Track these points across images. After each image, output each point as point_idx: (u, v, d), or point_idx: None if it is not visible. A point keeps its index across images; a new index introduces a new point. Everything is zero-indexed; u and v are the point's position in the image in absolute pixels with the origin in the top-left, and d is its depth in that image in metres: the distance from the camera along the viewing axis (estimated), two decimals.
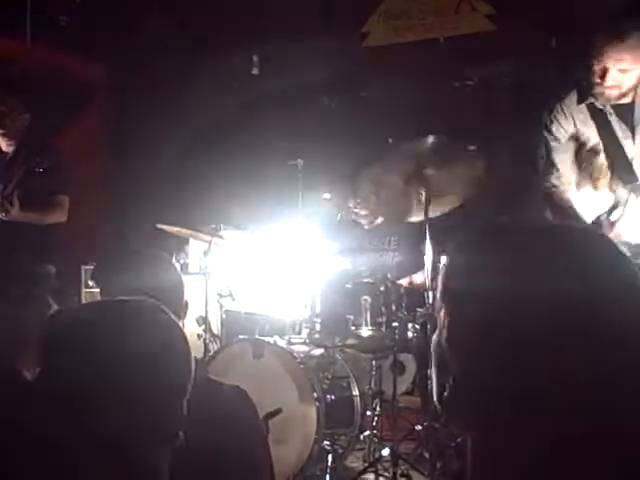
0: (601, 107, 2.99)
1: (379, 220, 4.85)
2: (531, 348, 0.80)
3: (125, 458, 1.11)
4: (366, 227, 4.85)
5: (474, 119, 5.36)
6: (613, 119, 2.98)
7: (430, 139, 3.55)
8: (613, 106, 2.98)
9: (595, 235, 0.89)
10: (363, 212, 4.75)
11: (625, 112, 2.97)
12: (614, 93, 2.87)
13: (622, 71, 2.79)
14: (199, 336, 4.47)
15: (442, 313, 0.90)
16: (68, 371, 1.12)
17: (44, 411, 1.13)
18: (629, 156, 2.97)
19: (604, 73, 2.80)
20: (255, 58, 6.23)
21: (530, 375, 0.80)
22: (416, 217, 3.82)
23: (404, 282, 4.23)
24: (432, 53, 5.62)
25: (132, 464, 1.12)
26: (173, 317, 1.24)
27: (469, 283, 0.86)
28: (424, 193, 3.70)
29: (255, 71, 6.25)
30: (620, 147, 2.96)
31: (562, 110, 3.07)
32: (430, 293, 3.77)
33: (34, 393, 1.18)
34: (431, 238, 3.71)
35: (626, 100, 2.96)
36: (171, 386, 1.17)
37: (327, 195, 4.59)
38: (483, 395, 0.85)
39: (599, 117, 2.99)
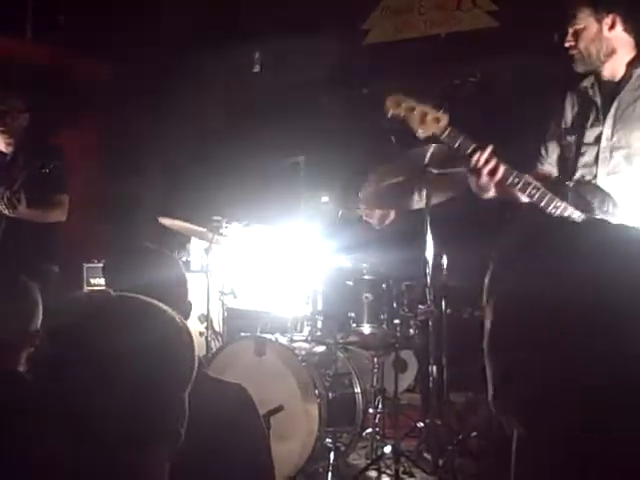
0: (588, 91, 3.00)
1: (389, 220, 4.86)
2: (576, 352, 0.79)
3: (123, 456, 1.11)
4: (377, 227, 4.86)
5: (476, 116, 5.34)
6: (592, 103, 2.99)
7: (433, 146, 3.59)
8: (601, 88, 2.98)
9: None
10: (374, 216, 4.78)
11: (609, 93, 2.96)
12: (577, 55, 2.93)
13: (574, 29, 2.90)
14: (201, 334, 4.47)
15: (486, 316, 0.89)
16: (67, 368, 1.12)
17: (43, 409, 1.13)
18: (584, 148, 2.95)
19: (565, 35, 2.94)
20: (257, 56, 6.22)
21: (574, 379, 0.79)
22: (417, 206, 3.84)
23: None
24: (434, 49, 5.61)
25: (130, 462, 1.12)
26: (175, 314, 1.23)
27: (513, 286, 0.85)
28: (425, 191, 3.70)
29: (256, 69, 6.25)
30: (578, 137, 2.98)
31: (567, 96, 3.10)
32: (431, 290, 3.77)
33: (33, 391, 1.17)
34: (433, 235, 3.72)
35: (614, 76, 2.96)
36: (172, 382, 1.16)
37: (325, 198, 4.59)
38: (526, 400, 0.84)
39: (582, 100, 3.03)
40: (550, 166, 3.11)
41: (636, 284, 0.79)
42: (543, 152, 3.14)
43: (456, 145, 2.90)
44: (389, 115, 2.97)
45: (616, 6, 2.88)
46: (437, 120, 2.89)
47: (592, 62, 2.93)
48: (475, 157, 2.84)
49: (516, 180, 2.86)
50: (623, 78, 2.93)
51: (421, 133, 2.94)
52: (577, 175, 2.95)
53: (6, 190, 4.12)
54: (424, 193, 3.72)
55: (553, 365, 0.81)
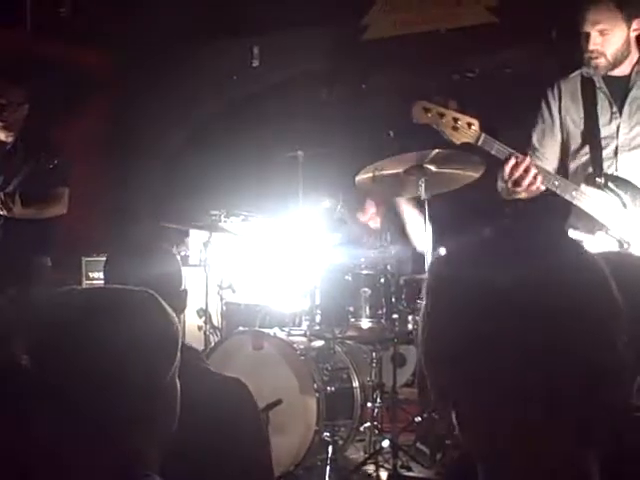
0: (595, 83, 2.96)
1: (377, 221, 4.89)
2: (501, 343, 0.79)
3: (115, 441, 1.13)
4: (372, 226, 4.89)
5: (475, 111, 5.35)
6: (602, 97, 2.96)
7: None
8: (608, 83, 2.95)
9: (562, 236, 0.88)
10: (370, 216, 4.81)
11: (619, 88, 2.94)
12: (602, 62, 2.88)
13: (602, 33, 2.83)
14: (199, 328, 4.48)
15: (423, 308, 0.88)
16: (55, 358, 1.14)
17: (35, 397, 1.15)
18: (603, 143, 2.92)
19: (587, 38, 2.85)
20: (255, 50, 6.22)
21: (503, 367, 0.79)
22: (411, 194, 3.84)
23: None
24: (433, 45, 5.61)
25: (122, 446, 1.14)
26: (165, 305, 1.25)
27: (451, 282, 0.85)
28: (423, 185, 3.71)
29: (255, 63, 6.24)
30: (597, 130, 2.93)
31: (553, 86, 3.07)
32: None
33: (25, 380, 1.19)
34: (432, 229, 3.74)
35: (622, 72, 2.95)
36: (157, 368, 1.18)
37: (327, 203, 4.60)
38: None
39: (588, 92, 2.97)
40: (547, 161, 3.06)
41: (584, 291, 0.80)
42: (536, 144, 3.08)
43: (493, 151, 2.83)
44: (417, 122, 2.86)
45: (637, 9, 2.86)
46: (469, 125, 2.82)
47: (614, 65, 2.90)
48: (510, 164, 2.77)
49: (557, 183, 2.83)
50: (632, 73, 2.93)
51: (455, 140, 2.84)
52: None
53: (0, 192, 4.14)
54: (422, 186, 3.73)
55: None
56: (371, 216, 4.89)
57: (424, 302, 0.88)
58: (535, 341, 0.78)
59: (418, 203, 3.84)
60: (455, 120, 2.80)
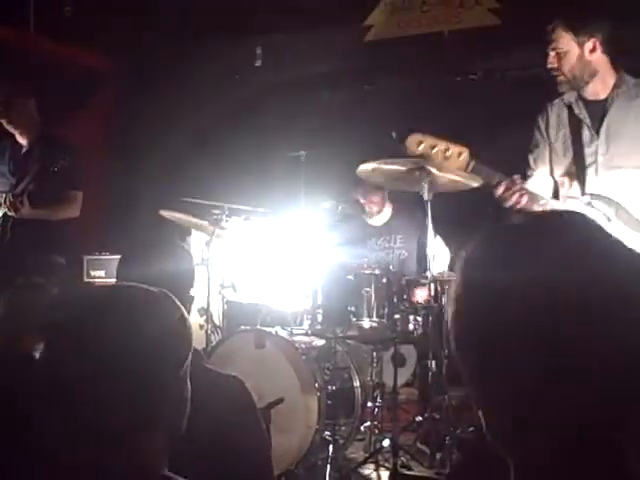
0: (574, 109, 3.10)
1: (386, 214, 4.86)
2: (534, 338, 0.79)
3: (121, 442, 1.13)
4: (375, 224, 4.85)
5: (477, 113, 5.36)
6: (584, 124, 3.09)
7: None
8: (587, 107, 3.09)
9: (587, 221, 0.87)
10: (373, 202, 4.77)
11: (597, 112, 3.07)
12: (562, 79, 3.04)
13: (557, 52, 3.00)
14: (201, 327, 4.48)
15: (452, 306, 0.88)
16: (67, 357, 1.14)
17: (41, 392, 1.15)
18: (587, 168, 3.05)
19: (547, 56, 3.04)
20: (258, 50, 6.23)
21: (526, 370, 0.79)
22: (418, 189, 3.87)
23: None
24: (436, 46, 5.62)
25: (128, 448, 1.14)
26: (182, 307, 1.25)
27: (485, 276, 0.84)
28: (427, 185, 3.72)
29: (258, 63, 6.25)
30: (580, 152, 3.08)
31: (548, 108, 3.20)
32: (432, 285, 3.79)
33: (34, 375, 1.20)
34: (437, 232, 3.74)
35: (600, 96, 3.06)
36: (167, 370, 1.18)
37: (326, 204, 4.60)
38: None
39: (571, 117, 3.13)
40: (536, 177, 3.19)
41: (616, 283, 0.79)
42: (531, 162, 3.22)
43: (482, 176, 3.01)
44: (411, 153, 3.04)
45: (596, 30, 3.00)
46: (459, 154, 2.96)
47: (577, 84, 3.05)
48: (500, 190, 2.94)
49: (542, 202, 2.98)
50: (609, 97, 3.05)
51: (446, 169, 3.07)
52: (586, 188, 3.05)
53: (9, 193, 4.13)
54: (425, 187, 3.74)
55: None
56: (377, 203, 4.82)
57: (451, 304, 0.87)
58: (583, 342, 0.77)
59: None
60: (446, 150, 2.97)
